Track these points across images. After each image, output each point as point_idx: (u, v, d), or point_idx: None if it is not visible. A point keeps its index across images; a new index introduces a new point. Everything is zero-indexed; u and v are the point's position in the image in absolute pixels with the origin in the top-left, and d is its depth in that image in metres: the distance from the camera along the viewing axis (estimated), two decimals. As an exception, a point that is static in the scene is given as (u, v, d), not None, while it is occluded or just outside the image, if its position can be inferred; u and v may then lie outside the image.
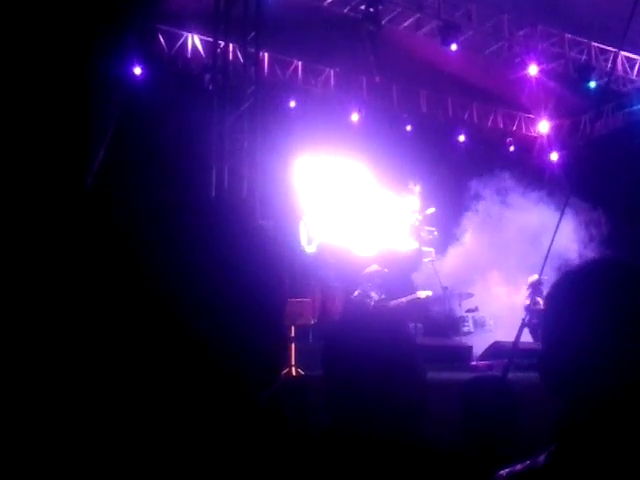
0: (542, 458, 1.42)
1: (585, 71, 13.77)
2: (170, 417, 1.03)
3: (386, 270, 10.78)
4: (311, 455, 1.25)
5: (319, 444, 1.80)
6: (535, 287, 10.75)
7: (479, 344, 10.57)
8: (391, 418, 1.79)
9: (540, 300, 11.12)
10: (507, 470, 1.47)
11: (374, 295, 10.46)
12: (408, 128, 13.39)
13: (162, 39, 11.02)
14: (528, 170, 13.05)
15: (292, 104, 12.22)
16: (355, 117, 12.83)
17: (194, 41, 11.47)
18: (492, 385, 3.29)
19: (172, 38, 11.26)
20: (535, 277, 10.60)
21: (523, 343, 8.99)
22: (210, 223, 1.15)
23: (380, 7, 12.60)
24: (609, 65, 13.36)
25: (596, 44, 14.14)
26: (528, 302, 9.69)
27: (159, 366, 1.03)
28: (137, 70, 10.56)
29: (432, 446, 1.87)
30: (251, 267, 1.14)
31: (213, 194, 10.45)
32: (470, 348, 10.35)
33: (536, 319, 11.05)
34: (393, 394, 1.80)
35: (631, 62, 14.50)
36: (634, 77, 14.54)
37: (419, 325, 10.96)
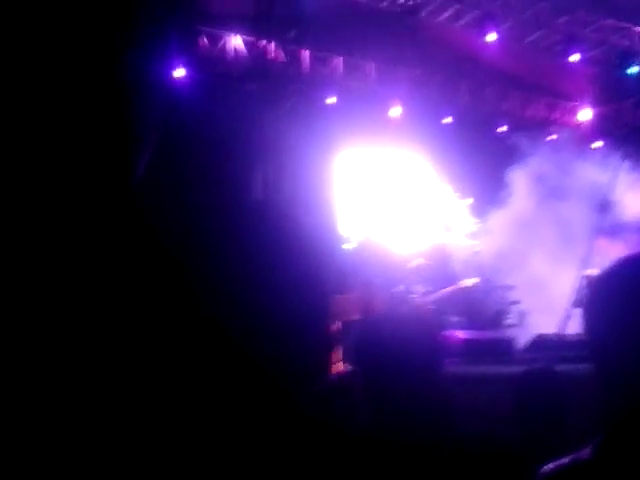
0: (588, 451, 1.41)
1: (627, 57, 13.60)
2: (213, 416, 1.17)
3: (431, 263, 10.83)
4: (349, 457, 1.33)
5: (359, 446, 1.86)
6: (589, 281, 10.71)
7: (522, 337, 10.63)
8: (418, 412, 1.88)
9: None
10: (554, 463, 1.46)
11: (419, 289, 10.51)
12: (449, 120, 13.39)
13: (205, 40, 11.20)
14: (570, 159, 12.94)
15: (334, 100, 12.32)
16: (397, 111, 12.88)
17: (236, 41, 11.64)
18: (545, 378, 3.38)
19: (214, 39, 11.43)
20: (592, 270, 10.60)
21: (568, 335, 9.05)
22: (259, 226, 1.27)
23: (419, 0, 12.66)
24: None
25: (639, 29, 13.96)
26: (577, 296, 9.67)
27: (206, 366, 1.17)
28: (181, 72, 10.77)
29: (464, 440, 1.92)
30: (295, 269, 1.27)
31: (260, 195, 10.68)
32: (512, 340, 10.38)
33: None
34: (416, 391, 1.89)
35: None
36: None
37: (461, 318, 11.04)
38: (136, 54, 9.29)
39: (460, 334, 10.28)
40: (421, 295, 10.47)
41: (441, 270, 11.13)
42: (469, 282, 10.73)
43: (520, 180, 12.48)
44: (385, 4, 12.61)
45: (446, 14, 13.24)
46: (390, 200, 12.50)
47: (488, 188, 12.33)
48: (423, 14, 12.90)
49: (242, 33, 11.66)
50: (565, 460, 1.44)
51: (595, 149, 13.74)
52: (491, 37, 13.00)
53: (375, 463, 1.64)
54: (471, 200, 12.40)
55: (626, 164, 11.56)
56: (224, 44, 11.53)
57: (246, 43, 11.68)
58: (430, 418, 1.87)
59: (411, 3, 12.67)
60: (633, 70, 13.55)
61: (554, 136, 14.06)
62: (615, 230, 12.47)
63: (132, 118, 9.20)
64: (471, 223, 12.43)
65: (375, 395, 1.94)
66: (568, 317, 8.96)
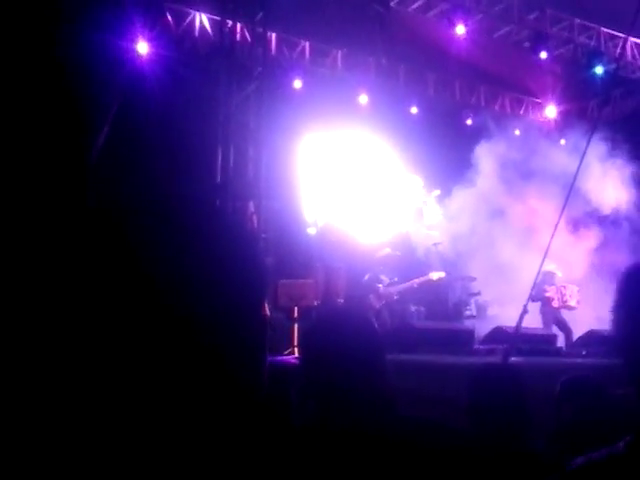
0: (622, 445, 1.38)
1: (593, 57, 13.69)
2: (158, 410, 1.04)
3: (398, 253, 10.79)
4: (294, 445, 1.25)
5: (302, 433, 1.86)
6: (547, 277, 10.81)
7: (481, 329, 10.62)
8: (362, 402, 1.89)
9: (548, 288, 11.19)
10: (585, 456, 1.43)
11: (385, 278, 10.47)
12: (414, 110, 13.34)
13: (170, 17, 10.96)
14: (534, 154, 12.98)
15: (299, 84, 12.18)
16: (363, 99, 12.78)
17: (202, 20, 11.42)
18: (501, 375, 3.32)
19: (180, 16, 11.20)
20: (552, 266, 10.66)
21: (525, 328, 9.07)
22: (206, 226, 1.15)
23: (389, -12, 12.56)
24: (618, 51, 13.27)
25: (605, 29, 14.06)
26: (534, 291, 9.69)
27: (151, 361, 1.04)
28: (143, 48, 10.53)
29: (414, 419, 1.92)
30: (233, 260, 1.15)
31: (220, 178, 10.48)
32: (472, 332, 10.39)
33: (547, 307, 11.16)
34: (360, 381, 1.90)
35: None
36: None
37: (421, 309, 11.00)
38: (83, 28, 9.03)
39: (420, 324, 10.25)
40: (387, 285, 10.43)
41: (406, 260, 11.08)
42: (436, 275, 10.73)
43: (486, 167, 12.49)
44: (355, -9, 12.48)
45: (416, 4, 13.15)
46: (356, 187, 12.42)
47: (453, 177, 12.31)
48: (393, 3, 12.79)
49: (208, 12, 11.45)
50: (595, 455, 1.40)
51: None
52: (460, 30, 12.98)
53: (315, 451, 1.54)
54: (438, 192, 12.36)
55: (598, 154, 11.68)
56: (190, 22, 11.31)
57: (212, 22, 11.46)
58: (371, 406, 1.88)
59: (381, -8, 12.56)
60: (599, 70, 13.64)
61: (517, 131, 14.10)
62: (586, 221, 12.57)
63: (83, 94, 8.96)
64: (437, 214, 12.39)
65: (316, 383, 1.95)
66: (525, 311, 8.96)
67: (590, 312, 11.30)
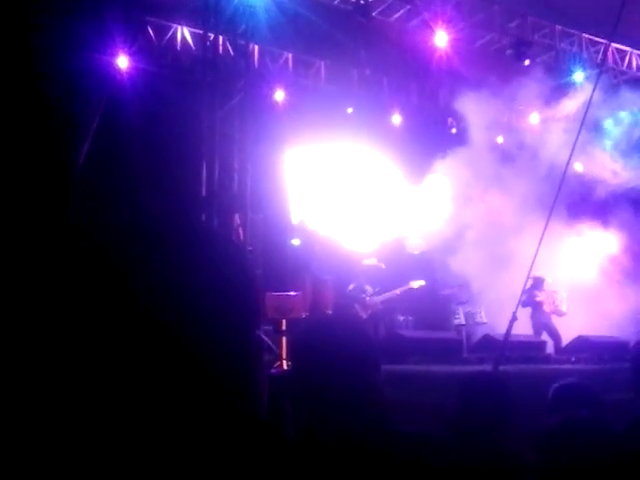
0: None
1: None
2: (147, 423, 1.02)
3: (383, 266, 10.78)
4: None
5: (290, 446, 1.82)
6: (536, 283, 10.82)
7: (471, 336, 10.61)
8: (355, 412, 1.86)
9: (539, 293, 11.18)
10: None
11: (368, 288, 10.47)
12: (397, 120, 13.35)
13: (151, 31, 10.92)
14: (518, 162, 13.00)
15: (282, 96, 12.15)
16: (349, 110, 12.77)
17: (184, 33, 11.39)
18: (490, 384, 3.33)
19: (161, 30, 11.16)
20: (540, 274, 10.65)
21: (514, 335, 9.05)
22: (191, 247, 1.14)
23: (371, -1, 12.58)
24: (600, 57, 13.36)
25: (587, 35, 14.13)
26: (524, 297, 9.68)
27: (140, 375, 1.04)
28: (123, 62, 10.48)
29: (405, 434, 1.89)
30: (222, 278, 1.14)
31: (205, 192, 10.42)
32: (461, 341, 10.37)
33: (538, 313, 11.15)
34: (353, 392, 1.87)
35: (622, 54, 14.53)
36: (624, 69, 14.55)
37: (409, 318, 10.98)
38: (63, 42, 8.98)
39: (408, 333, 10.21)
40: (371, 295, 10.43)
41: (392, 269, 11.06)
42: (416, 284, 10.74)
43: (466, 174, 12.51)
44: (337, 2, 12.49)
45: (397, 14, 13.19)
46: (344, 196, 12.41)
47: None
48: (374, 14, 12.81)
49: (190, 26, 11.42)
50: None
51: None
52: (441, 39, 13.02)
53: (307, 464, 1.49)
54: (424, 202, 12.38)
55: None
56: (172, 36, 11.27)
57: (195, 36, 11.44)
58: (362, 420, 1.85)
59: (362, 2, 12.57)
60: (579, 76, 13.71)
61: (500, 139, 14.12)
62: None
63: (64, 109, 8.90)
64: (423, 223, 12.40)
65: (309, 395, 1.93)
66: (515, 318, 8.92)
67: (578, 318, 11.32)
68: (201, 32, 11.22)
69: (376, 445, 1.80)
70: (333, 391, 1.87)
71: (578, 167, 12.78)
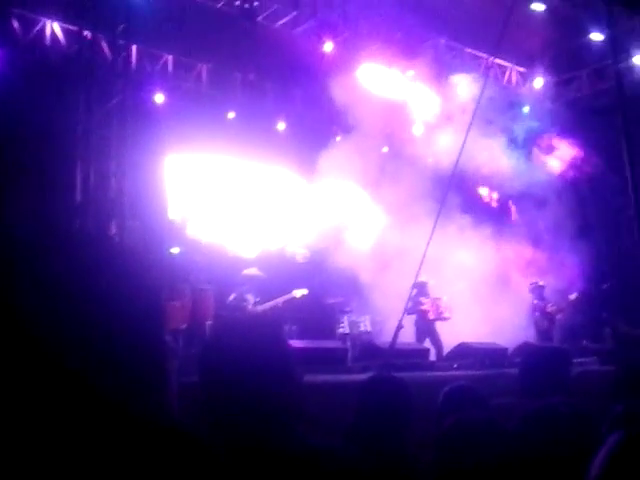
0: None
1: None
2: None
3: (264, 276, 10.57)
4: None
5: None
6: (421, 289, 10.86)
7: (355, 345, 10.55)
8: (268, 422, 1.78)
9: (424, 301, 11.22)
10: None
11: (250, 298, 10.25)
12: (281, 127, 13.19)
13: (16, 24, 10.22)
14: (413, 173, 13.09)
15: (162, 99, 11.72)
16: (231, 115, 12.50)
17: (53, 28, 10.75)
18: (391, 386, 3.34)
19: (29, 23, 10.48)
20: (424, 279, 10.66)
21: (398, 343, 9.07)
22: (69, 264, 1.00)
23: (256, 3, 12.37)
24: (482, 70, 13.72)
25: (469, 50, 14.49)
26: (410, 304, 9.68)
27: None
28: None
29: (313, 447, 1.81)
30: (116, 297, 1.00)
31: (80, 197, 9.86)
32: (346, 350, 10.34)
33: (422, 320, 11.19)
34: (269, 398, 1.80)
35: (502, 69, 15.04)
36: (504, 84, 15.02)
37: (294, 327, 10.82)
38: None
39: (295, 343, 10.02)
40: (252, 304, 10.22)
41: (276, 278, 10.87)
42: (299, 293, 10.63)
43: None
44: (221, 5, 12.21)
45: (283, 20, 13.05)
46: (227, 204, 12.15)
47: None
48: (260, 18, 12.61)
49: (63, 21, 10.81)
50: None
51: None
52: (328, 46, 13.00)
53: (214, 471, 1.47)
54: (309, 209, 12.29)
55: None
56: (40, 30, 10.62)
57: (67, 32, 10.83)
58: (279, 430, 1.78)
59: (247, 6, 12.34)
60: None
61: (385, 149, 14.18)
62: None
63: None
64: (308, 231, 12.29)
65: (217, 403, 1.82)
66: (401, 326, 8.92)
67: (458, 323, 11.47)
68: (74, 28, 10.63)
69: (287, 458, 1.71)
70: (242, 395, 1.78)
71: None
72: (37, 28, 10.56)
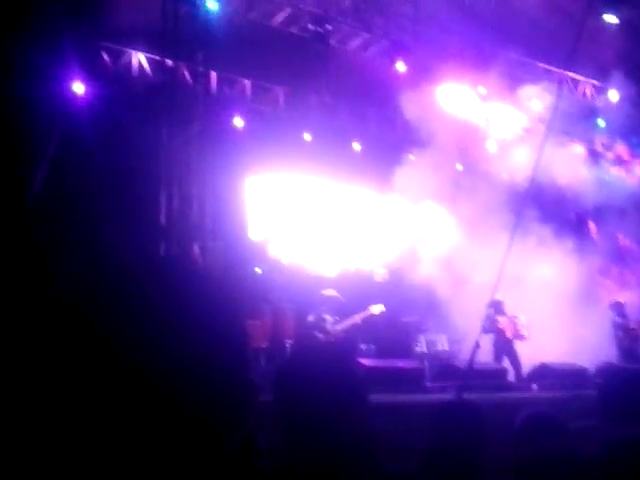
0: None
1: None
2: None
3: (342, 299, 10.55)
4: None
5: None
6: (497, 308, 10.67)
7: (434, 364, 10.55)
8: (344, 445, 1.77)
9: (500, 319, 11.06)
10: None
11: (328, 318, 10.29)
12: (357, 147, 13.32)
13: (106, 56, 10.71)
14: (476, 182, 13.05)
15: (241, 123, 12.03)
16: (307, 136, 12.71)
17: (140, 59, 11.22)
18: (469, 411, 3.30)
19: (117, 56, 10.97)
20: (499, 298, 10.50)
21: (476, 363, 8.99)
22: (154, 287, 1.09)
23: (329, 27, 12.62)
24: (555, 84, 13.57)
25: (541, 64, 14.38)
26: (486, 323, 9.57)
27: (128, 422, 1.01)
28: (79, 88, 10.24)
29: (391, 474, 1.85)
30: (202, 321, 1.10)
31: (164, 221, 10.23)
32: (422, 370, 10.27)
33: (500, 339, 11.01)
34: (342, 421, 1.79)
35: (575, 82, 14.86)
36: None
37: (372, 346, 10.86)
38: (26, 67, 8.84)
39: (370, 362, 10.09)
40: (331, 324, 10.27)
41: (354, 299, 10.92)
42: (376, 309, 10.60)
43: None
44: (294, 30, 12.51)
45: (355, 43, 13.27)
46: (306, 224, 12.32)
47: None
48: (333, 41, 12.85)
49: (147, 51, 11.27)
50: None
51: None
52: (400, 66, 13.12)
53: None
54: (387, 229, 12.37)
55: None
56: (128, 61, 11.10)
57: (151, 62, 11.28)
58: (353, 455, 1.78)
59: (321, 30, 12.61)
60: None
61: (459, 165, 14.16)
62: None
63: (21, 137, 8.73)
64: (387, 251, 12.34)
65: (294, 429, 1.84)
66: (478, 345, 8.86)
67: (536, 342, 11.29)
68: (157, 58, 11.08)
69: None
70: (318, 421, 1.79)
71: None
72: (124, 59, 11.02)
